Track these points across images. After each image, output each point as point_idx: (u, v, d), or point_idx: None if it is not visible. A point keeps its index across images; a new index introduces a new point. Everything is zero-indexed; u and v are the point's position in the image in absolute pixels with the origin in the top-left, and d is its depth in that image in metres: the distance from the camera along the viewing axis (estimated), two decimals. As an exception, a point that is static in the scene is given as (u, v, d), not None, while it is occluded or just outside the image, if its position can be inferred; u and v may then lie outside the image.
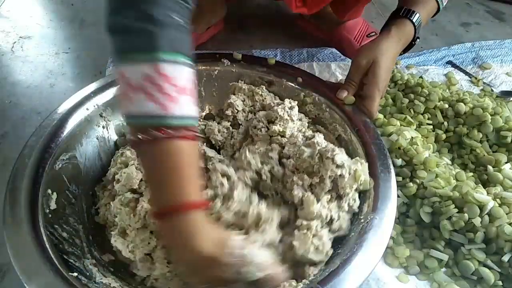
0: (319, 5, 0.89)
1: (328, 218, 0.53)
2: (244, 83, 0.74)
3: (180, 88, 0.43)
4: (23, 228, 0.48)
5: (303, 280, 0.49)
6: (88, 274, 0.50)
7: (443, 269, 0.60)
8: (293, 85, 0.73)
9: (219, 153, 0.68)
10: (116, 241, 0.55)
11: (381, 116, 0.71)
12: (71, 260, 0.50)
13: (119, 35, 0.43)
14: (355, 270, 0.46)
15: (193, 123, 0.45)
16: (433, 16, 0.78)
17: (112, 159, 0.65)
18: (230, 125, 0.71)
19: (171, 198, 0.44)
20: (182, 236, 0.44)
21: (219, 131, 0.69)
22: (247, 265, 0.44)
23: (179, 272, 0.54)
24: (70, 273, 0.47)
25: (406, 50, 0.76)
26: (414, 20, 0.71)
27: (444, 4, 0.75)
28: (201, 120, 0.73)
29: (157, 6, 0.42)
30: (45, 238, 0.49)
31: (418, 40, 0.75)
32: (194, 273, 0.47)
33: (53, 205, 0.54)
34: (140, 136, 0.42)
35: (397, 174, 0.65)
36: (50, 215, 0.53)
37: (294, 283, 0.49)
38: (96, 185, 0.64)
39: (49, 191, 0.54)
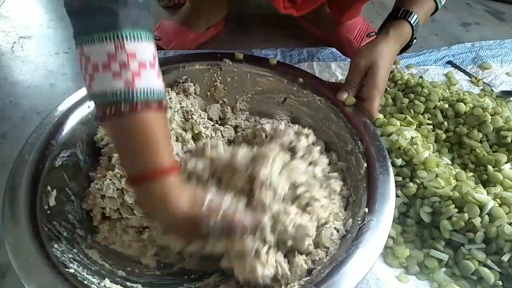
0: (309, 7, 0.88)
1: None
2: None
3: (144, 63, 0.44)
4: (21, 225, 0.48)
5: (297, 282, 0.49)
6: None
7: (443, 269, 0.60)
8: (293, 85, 0.73)
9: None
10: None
11: (381, 116, 0.71)
12: (69, 257, 0.50)
13: (80, 16, 0.44)
14: (350, 272, 0.46)
15: (159, 94, 0.46)
16: (431, 15, 0.78)
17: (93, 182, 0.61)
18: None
19: (143, 166, 0.46)
20: (158, 200, 0.46)
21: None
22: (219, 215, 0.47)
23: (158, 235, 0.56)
24: (67, 269, 0.47)
25: (403, 50, 0.76)
26: (411, 21, 0.72)
27: (443, 3, 0.75)
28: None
29: None
30: (43, 235, 0.49)
31: (415, 40, 0.75)
32: (174, 232, 0.50)
33: (52, 202, 0.54)
34: (107, 112, 0.43)
35: (397, 174, 0.65)
36: (49, 212, 0.53)
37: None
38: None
39: (49, 188, 0.54)
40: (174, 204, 0.46)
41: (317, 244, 0.52)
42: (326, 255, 0.51)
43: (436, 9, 0.76)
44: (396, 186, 0.57)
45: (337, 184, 0.59)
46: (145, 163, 0.46)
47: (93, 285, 0.47)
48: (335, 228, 0.53)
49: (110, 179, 0.58)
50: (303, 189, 0.53)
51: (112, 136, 0.50)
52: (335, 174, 0.61)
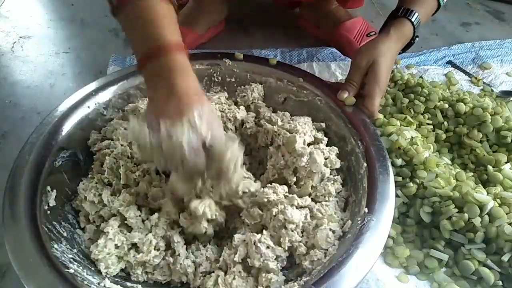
0: None
1: None
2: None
3: None
4: (21, 225, 0.49)
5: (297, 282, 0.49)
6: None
7: (443, 269, 0.60)
8: (293, 85, 0.73)
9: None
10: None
11: (381, 116, 0.71)
12: (69, 257, 0.50)
13: None
14: (350, 272, 0.46)
15: None
16: (433, 14, 0.78)
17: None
18: None
19: (151, 43, 0.51)
20: (161, 75, 0.50)
21: None
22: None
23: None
24: (67, 270, 0.47)
25: (405, 49, 0.76)
26: (413, 20, 0.72)
27: (444, 1, 0.75)
28: None
29: None
30: (43, 235, 0.49)
31: (417, 39, 0.75)
32: (162, 108, 0.49)
33: (52, 202, 0.54)
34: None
35: (397, 174, 0.65)
36: (49, 212, 0.53)
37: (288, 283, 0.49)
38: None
39: (49, 188, 0.55)
40: (173, 81, 0.49)
41: (312, 246, 0.53)
42: (325, 256, 0.51)
43: (438, 7, 0.76)
44: (396, 186, 0.57)
45: (333, 187, 0.59)
46: (152, 39, 0.50)
47: (93, 285, 0.48)
48: (330, 230, 0.53)
49: (96, 183, 0.57)
50: None
51: (125, 27, 0.55)
52: (337, 177, 0.61)
